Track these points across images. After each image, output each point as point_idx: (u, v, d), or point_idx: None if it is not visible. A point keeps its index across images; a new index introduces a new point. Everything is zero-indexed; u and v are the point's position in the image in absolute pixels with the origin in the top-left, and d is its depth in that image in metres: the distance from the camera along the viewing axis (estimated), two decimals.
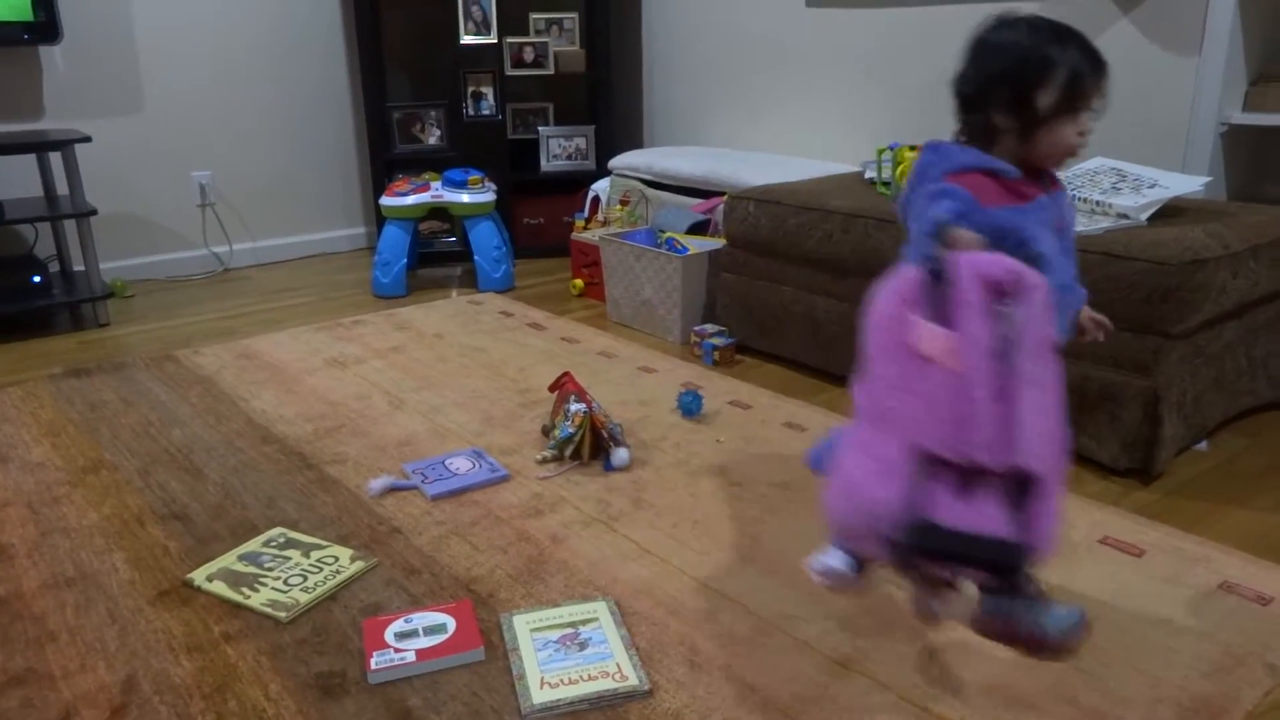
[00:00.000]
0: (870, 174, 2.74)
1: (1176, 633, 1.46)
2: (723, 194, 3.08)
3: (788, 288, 2.65)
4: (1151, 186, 2.22)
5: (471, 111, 4.03)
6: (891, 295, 1.14)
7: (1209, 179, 2.27)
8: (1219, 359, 2.06)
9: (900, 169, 2.48)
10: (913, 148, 2.48)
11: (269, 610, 1.55)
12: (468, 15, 3.97)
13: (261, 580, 1.63)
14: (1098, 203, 2.21)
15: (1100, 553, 1.69)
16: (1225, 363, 2.09)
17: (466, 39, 3.97)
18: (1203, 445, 2.13)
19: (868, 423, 1.15)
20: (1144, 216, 2.12)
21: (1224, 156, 2.48)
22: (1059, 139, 1.20)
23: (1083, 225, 2.10)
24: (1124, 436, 1.96)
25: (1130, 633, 1.45)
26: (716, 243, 2.94)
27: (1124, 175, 2.28)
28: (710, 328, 2.79)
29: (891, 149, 2.56)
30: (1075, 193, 2.28)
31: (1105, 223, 2.12)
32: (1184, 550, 1.69)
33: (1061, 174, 2.39)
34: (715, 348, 2.73)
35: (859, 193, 2.61)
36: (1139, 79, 2.63)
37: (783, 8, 3.55)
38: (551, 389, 2.21)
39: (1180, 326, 1.91)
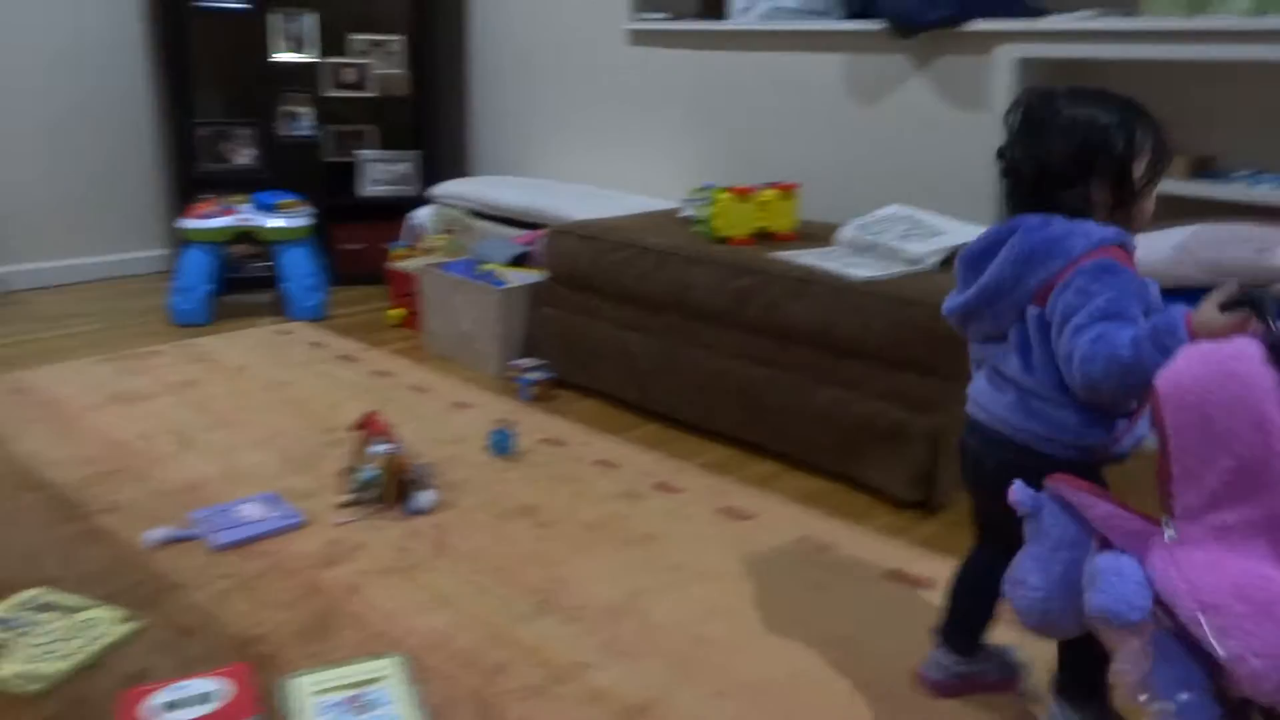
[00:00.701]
0: (688, 211, 2.79)
1: None
2: (545, 227, 3.07)
3: (605, 323, 2.67)
4: (940, 235, 2.37)
5: (286, 132, 3.87)
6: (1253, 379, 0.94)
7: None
8: None
9: (716, 209, 2.54)
10: (725, 189, 2.55)
11: (19, 683, 1.40)
12: (284, 32, 3.82)
13: (11, 648, 1.48)
14: (891, 249, 2.34)
15: (885, 588, 1.77)
16: None
17: (280, 56, 3.80)
18: None
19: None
20: (931, 262, 2.26)
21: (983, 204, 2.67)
22: (1148, 207, 1.22)
23: (878, 270, 2.22)
24: (910, 471, 2.07)
25: (906, 656, 1.52)
26: (537, 275, 2.92)
27: (916, 223, 2.42)
28: (528, 362, 2.76)
29: (705, 188, 2.62)
30: (872, 238, 2.40)
31: (897, 268, 2.24)
32: None
33: (860, 220, 2.53)
34: (533, 382, 2.70)
35: (675, 230, 2.66)
36: (933, 131, 2.81)
37: (607, 44, 3.59)
38: (355, 428, 2.12)
39: (958, 368, 2.03)
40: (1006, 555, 1.17)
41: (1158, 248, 2.38)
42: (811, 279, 2.21)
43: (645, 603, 1.68)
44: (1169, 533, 0.98)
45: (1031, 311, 1.18)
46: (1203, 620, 0.91)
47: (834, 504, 2.11)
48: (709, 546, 1.89)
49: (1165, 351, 1.02)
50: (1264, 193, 2.28)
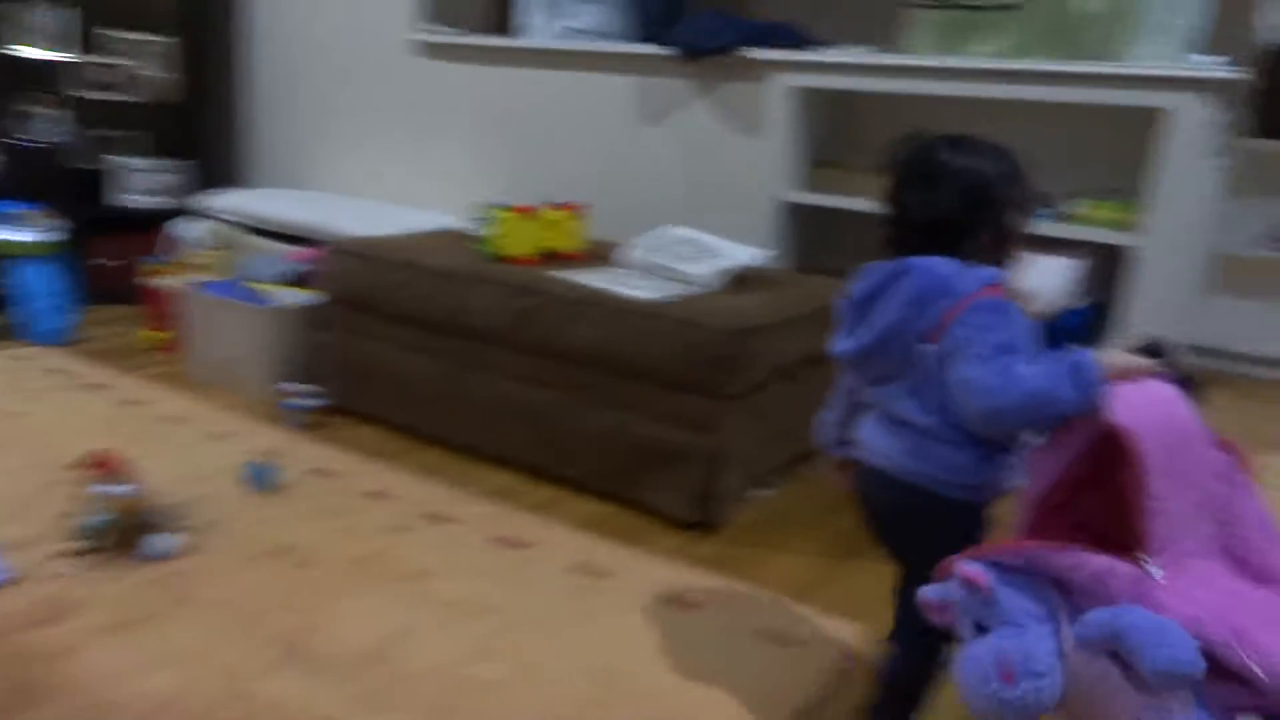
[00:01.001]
0: (473, 230, 2.70)
1: (725, 683, 1.52)
2: (322, 244, 2.90)
3: (385, 345, 2.53)
4: (719, 256, 2.39)
5: (27, 136, 3.48)
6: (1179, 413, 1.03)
7: (773, 251, 2.50)
8: (775, 414, 2.25)
9: (499, 228, 2.46)
10: (509, 207, 2.48)
11: None
12: (27, 25, 3.44)
13: None
14: (673, 270, 2.34)
15: (661, 614, 1.74)
16: (782, 417, 2.28)
17: (22, 50, 3.42)
18: (766, 492, 2.31)
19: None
20: (710, 284, 2.28)
21: (791, 231, 2.75)
22: (1018, 244, 1.28)
23: (659, 291, 2.21)
24: (690, 492, 2.07)
25: (675, 687, 1.49)
26: (310, 296, 2.74)
27: (698, 245, 2.44)
28: (299, 387, 2.58)
29: (490, 207, 2.54)
30: (655, 259, 2.40)
31: (677, 289, 2.25)
32: (733, 601, 1.79)
33: (644, 241, 2.53)
34: (304, 409, 2.53)
35: (459, 250, 2.56)
36: (716, 156, 2.86)
37: (394, 55, 3.46)
38: (82, 467, 1.89)
39: (736, 388, 2.05)
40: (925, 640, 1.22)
41: None
42: (592, 300, 2.18)
43: (407, 646, 1.58)
44: (1156, 572, 0.96)
45: (925, 349, 1.20)
46: (1236, 644, 0.89)
47: (615, 528, 2.08)
48: (481, 579, 1.81)
49: (1080, 388, 1.06)
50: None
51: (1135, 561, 0.96)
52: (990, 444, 1.19)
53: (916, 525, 1.26)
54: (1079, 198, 2.37)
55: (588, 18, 3.06)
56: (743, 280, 2.33)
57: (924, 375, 1.20)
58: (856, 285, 1.28)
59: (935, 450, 1.21)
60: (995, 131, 2.31)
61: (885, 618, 1.38)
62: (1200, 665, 0.88)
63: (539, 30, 3.12)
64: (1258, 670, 0.87)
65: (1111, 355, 1.11)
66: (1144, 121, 2.15)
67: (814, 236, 2.86)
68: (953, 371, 1.16)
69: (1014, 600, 1.00)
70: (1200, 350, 3.06)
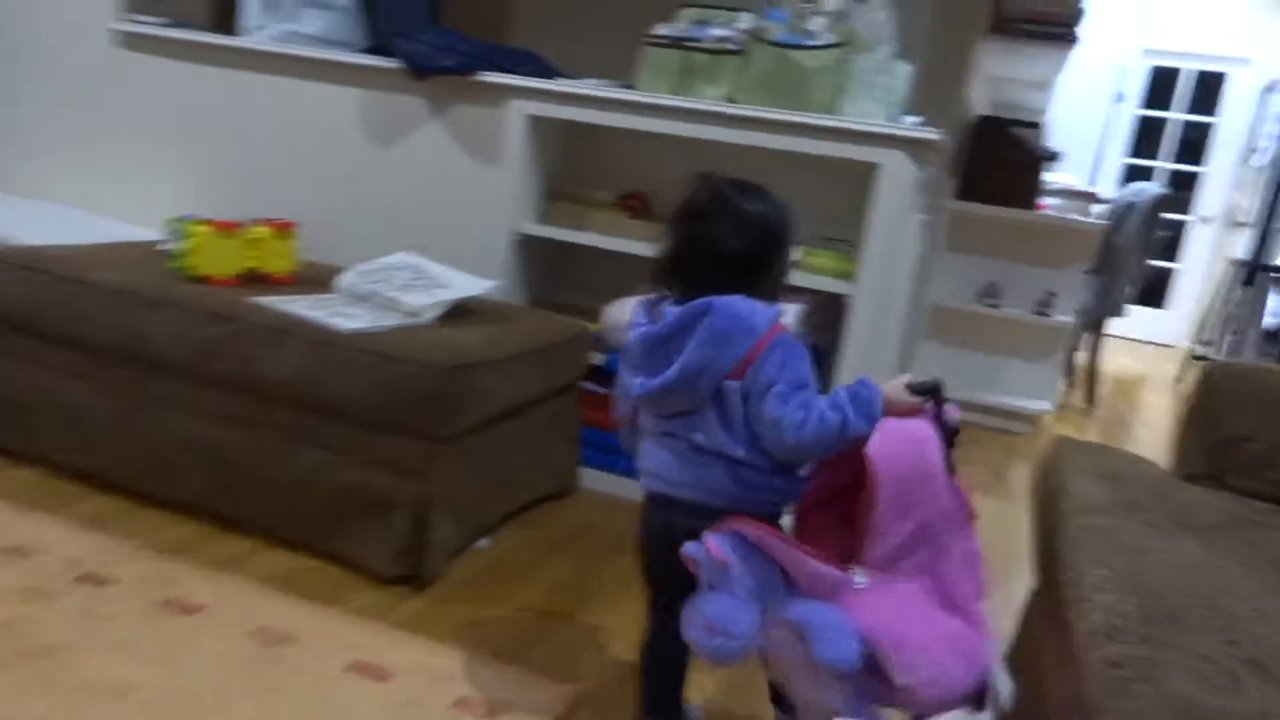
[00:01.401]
0: (168, 245, 2.40)
1: None
2: None
3: (46, 372, 2.17)
4: (444, 287, 2.25)
5: None
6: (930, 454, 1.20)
7: (497, 283, 2.38)
8: (495, 458, 2.12)
9: (193, 245, 2.19)
10: (205, 221, 2.21)
11: None
12: None
13: None
14: (390, 299, 2.17)
15: (347, 682, 1.56)
16: (503, 461, 2.16)
17: None
18: (484, 543, 2.17)
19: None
20: (429, 316, 2.12)
21: (522, 263, 2.65)
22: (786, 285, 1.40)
23: (370, 321, 2.03)
24: (396, 544, 1.89)
25: None
26: None
27: (422, 273, 2.28)
28: None
29: (180, 221, 2.26)
30: (372, 286, 2.22)
31: (393, 320, 2.08)
32: (432, 667, 1.64)
33: (363, 266, 2.34)
34: None
35: (147, 266, 2.25)
36: (449, 181, 2.72)
37: (93, 44, 3.06)
38: None
39: (448, 430, 1.91)
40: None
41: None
42: (292, 329, 1.96)
43: None
44: (859, 579, 1.18)
45: (730, 385, 1.27)
46: (892, 655, 1.11)
47: (308, 585, 1.86)
48: (128, 653, 1.54)
49: (867, 420, 1.22)
50: None
51: (845, 569, 1.18)
52: (791, 465, 1.32)
53: None
54: (804, 245, 2.43)
55: (316, 23, 2.84)
56: (466, 313, 2.20)
57: (730, 409, 1.28)
58: (652, 325, 1.32)
59: (751, 477, 1.30)
60: (732, 171, 2.41)
61: (602, 675, 1.46)
62: (854, 662, 1.11)
63: (261, 30, 2.86)
64: (895, 675, 1.11)
65: (888, 388, 1.25)
66: (863, 176, 2.23)
67: (548, 270, 2.78)
68: (763, 410, 1.26)
69: (741, 575, 1.17)
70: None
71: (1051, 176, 4.57)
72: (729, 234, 1.30)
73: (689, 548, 1.19)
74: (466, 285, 2.26)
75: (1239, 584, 1.17)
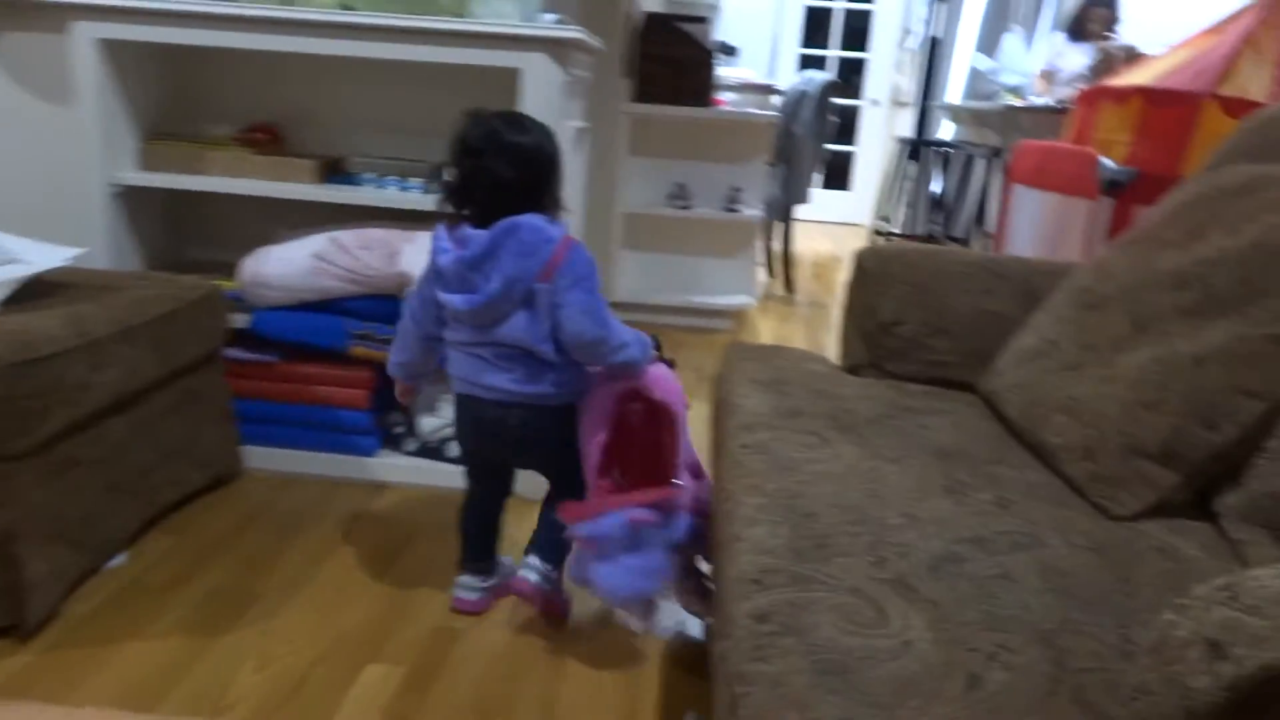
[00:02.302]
0: None
1: None
2: None
3: None
4: (14, 263, 1.81)
5: None
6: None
7: (84, 250, 1.96)
8: (110, 462, 1.76)
9: None
10: None
11: None
12: None
13: None
14: None
15: None
16: (123, 462, 1.80)
17: None
18: (119, 560, 1.82)
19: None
20: None
21: (127, 221, 2.22)
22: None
23: None
24: None
25: None
26: None
27: None
28: None
29: None
30: None
31: None
32: None
33: None
34: None
35: None
36: (17, 133, 2.22)
37: None
38: None
39: (25, 443, 1.53)
40: (502, 489, 1.73)
41: (295, 258, 2.17)
42: None
43: None
44: (682, 484, 1.52)
45: (541, 288, 1.47)
46: (703, 494, 1.57)
47: None
48: None
49: (645, 355, 1.56)
50: (391, 195, 2.20)
51: (673, 484, 1.51)
52: (576, 362, 1.55)
53: (548, 437, 1.59)
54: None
55: None
56: (51, 292, 1.78)
57: (539, 311, 1.48)
58: (461, 249, 1.49)
59: (551, 373, 1.54)
60: (373, 93, 2.31)
61: (257, 696, 1.41)
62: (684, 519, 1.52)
63: None
64: (687, 493, 1.53)
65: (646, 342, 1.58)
66: (508, 84, 2.01)
67: (170, 226, 2.37)
68: (571, 299, 1.47)
69: (652, 531, 1.48)
70: (615, 306, 3.15)
71: (729, 71, 4.58)
72: (505, 166, 1.48)
73: (580, 529, 1.48)
74: (42, 257, 1.83)
75: (890, 485, 1.12)
